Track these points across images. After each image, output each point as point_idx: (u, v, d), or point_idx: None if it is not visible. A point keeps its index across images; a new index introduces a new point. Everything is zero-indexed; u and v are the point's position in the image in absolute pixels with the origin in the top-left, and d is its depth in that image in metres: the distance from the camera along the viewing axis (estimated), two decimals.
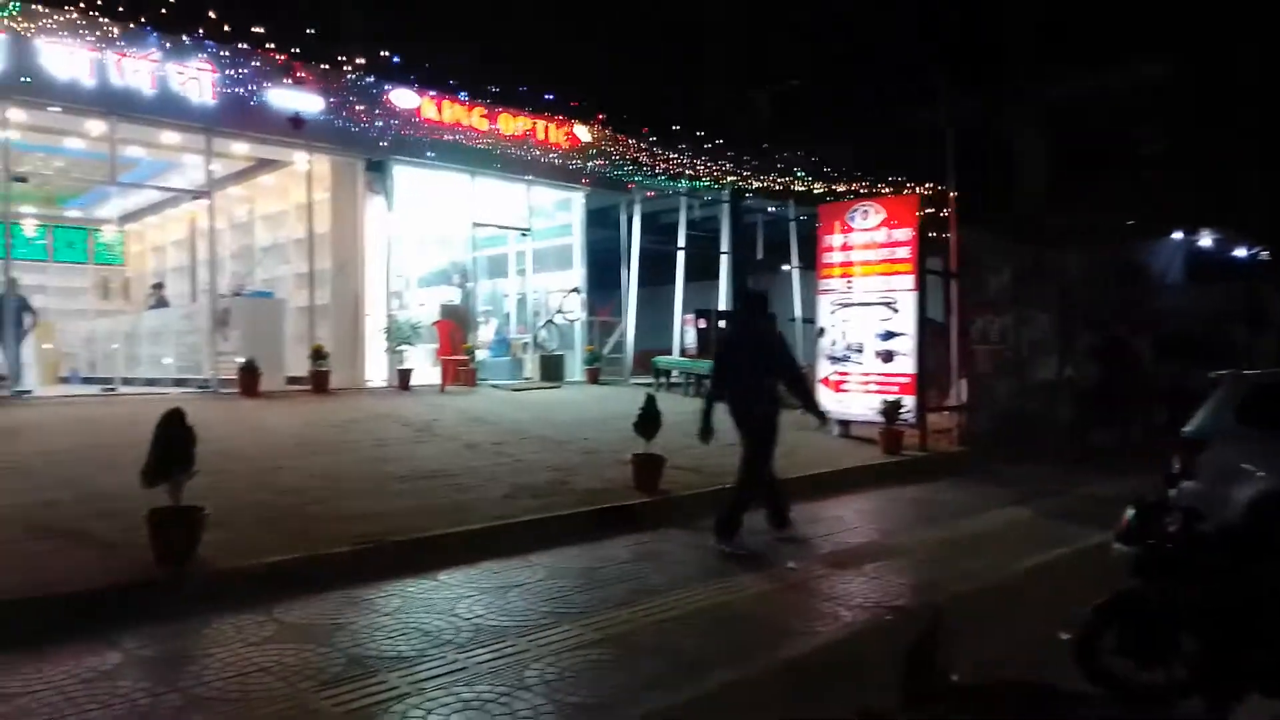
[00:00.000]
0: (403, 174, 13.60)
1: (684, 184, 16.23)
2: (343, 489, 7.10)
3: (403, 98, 13.05)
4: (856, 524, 7.72)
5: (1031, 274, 12.54)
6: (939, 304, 11.76)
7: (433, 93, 13.43)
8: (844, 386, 11.18)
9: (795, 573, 5.96)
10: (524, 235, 15.53)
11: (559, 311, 15.69)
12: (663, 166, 15.61)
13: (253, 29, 11.10)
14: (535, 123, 14.67)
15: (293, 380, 12.49)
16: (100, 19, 10.36)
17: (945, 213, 11.32)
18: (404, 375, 12.92)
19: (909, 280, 10.64)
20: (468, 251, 15.32)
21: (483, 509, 6.77)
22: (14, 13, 9.71)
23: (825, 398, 11.35)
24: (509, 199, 15.82)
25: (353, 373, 13.09)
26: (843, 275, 11.25)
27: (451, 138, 13.61)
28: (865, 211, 11.11)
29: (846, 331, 11.13)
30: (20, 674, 3.85)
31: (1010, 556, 6.50)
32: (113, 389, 12.18)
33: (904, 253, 10.73)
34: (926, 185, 12.13)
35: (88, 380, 15.89)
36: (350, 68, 12.31)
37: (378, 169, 13.18)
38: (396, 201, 13.47)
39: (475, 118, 13.90)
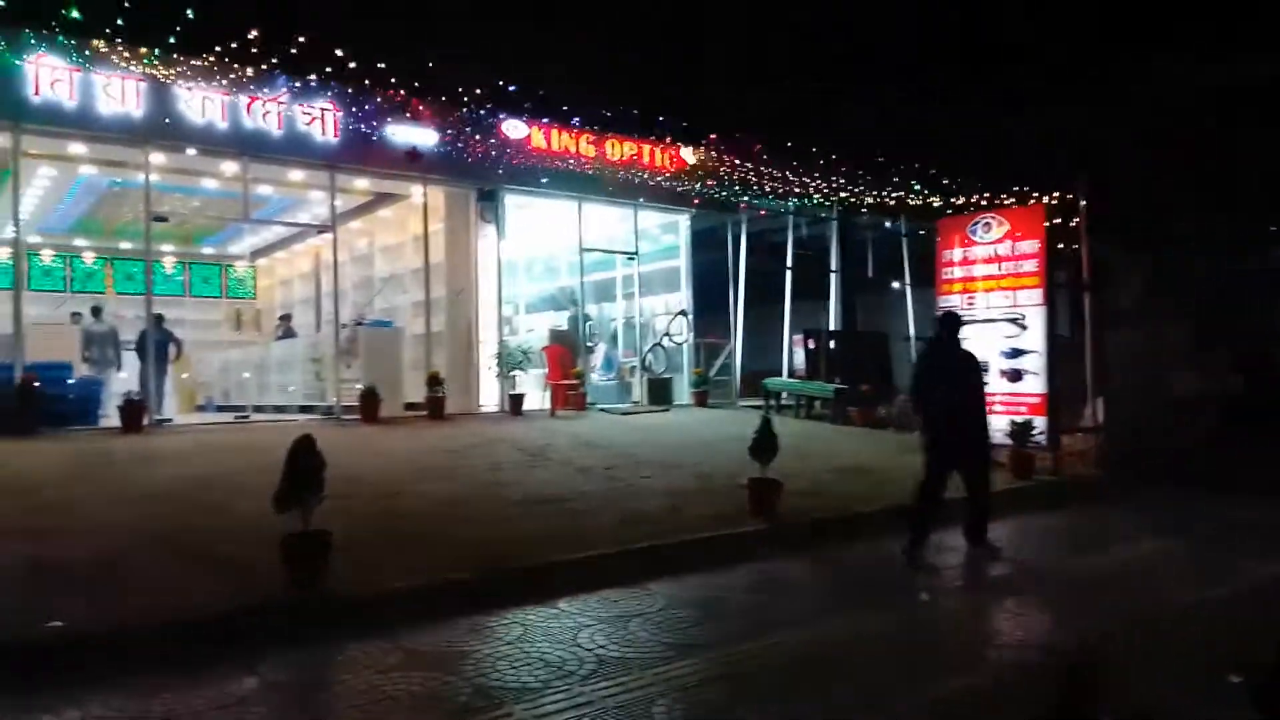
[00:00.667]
0: (513, 202, 13.88)
1: (792, 202, 15.98)
2: (461, 514, 7.17)
3: (513, 128, 13.32)
4: (983, 556, 7.29)
5: (1163, 283, 11.74)
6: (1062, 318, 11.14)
7: (543, 121, 13.66)
8: None
9: (928, 605, 5.64)
10: (631, 259, 15.59)
11: (666, 334, 15.64)
12: (770, 185, 15.41)
13: (376, 65, 11.51)
14: (641, 147, 14.74)
15: (410, 406, 12.82)
16: (232, 63, 10.96)
17: (1074, 222, 10.72)
18: (515, 400, 13.09)
19: (1036, 295, 10.10)
20: (575, 276, 15.48)
21: (598, 535, 6.70)
22: (154, 62, 10.36)
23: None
24: (616, 223, 15.93)
25: (467, 398, 13.35)
26: (963, 291, 10.78)
27: (560, 165, 13.80)
28: (987, 224, 10.63)
29: None
30: (160, 698, 3.97)
31: (1163, 590, 6.00)
32: (246, 416, 12.79)
33: (1030, 266, 10.20)
34: (1054, 194, 11.52)
35: (221, 408, 16.77)
36: (466, 99, 12.65)
37: (489, 198, 13.48)
38: (507, 229, 13.74)
39: (583, 144, 14.06)
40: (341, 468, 7.54)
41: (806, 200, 15.95)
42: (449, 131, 12.80)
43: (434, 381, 12.43)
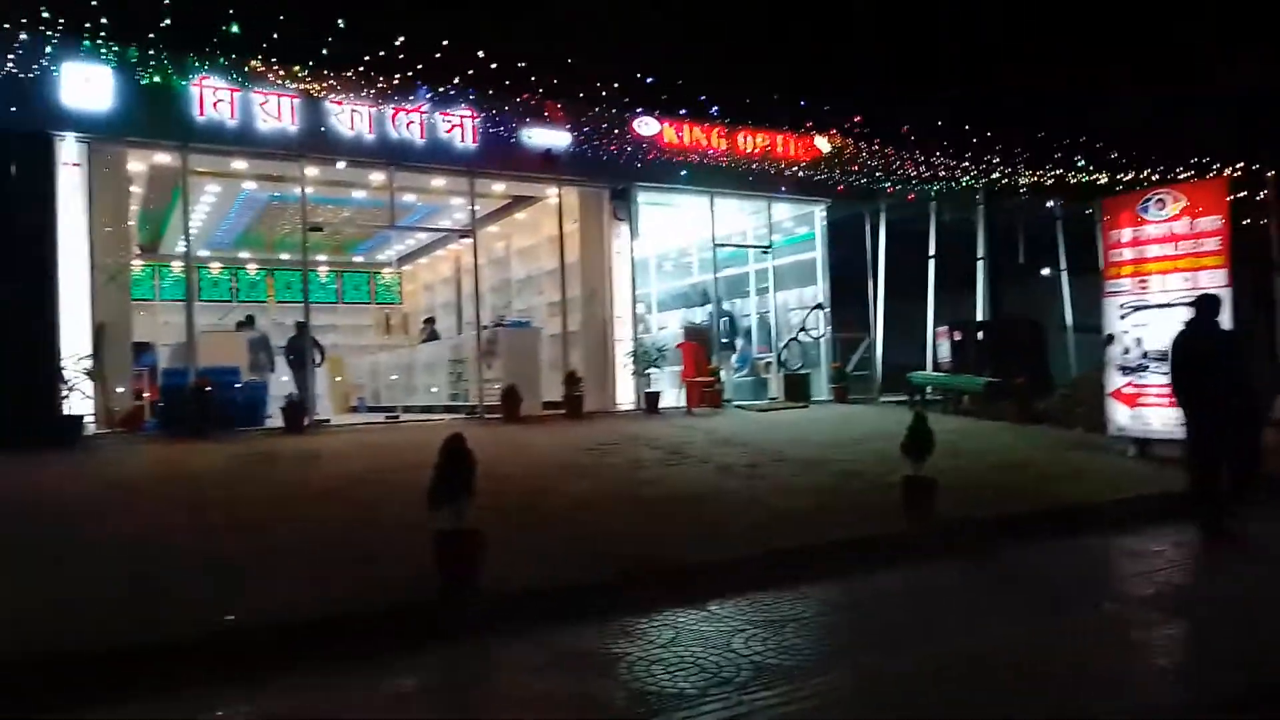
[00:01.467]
0: (645, 199, 13.85)
1: (935, 186, 15.25)
2: (604, 512, 7.13)
3: (645, 125, 13.28)
4: (1175, 561, 6.64)
5: None
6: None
7: (675, 116, 13.56)
8: (1140, 400, 9.82)
9: (1108, 615, 5.15)
10: (765, 253, 15.28)
11: (802, 329, 15.23)
12: (911, 170, 14.75)
13: (512, 69, 11.69)
14: (774, 138, 14.42)
15: (549, 405, 13.00)
16: (378, 76, 11.38)
17: (1262, 195, 9.67)
18: (651, 398, 13.05)
19: (1219, 275, 9.16)
20: (708, 272, 15.30)
21: (744, 535, 6.51)
22: (304, 76, 10.86)
23: (1117, 413, 10.07)
24: (748, 217, 15.67)
25: (603, 396, 13.42)
26: (1134, 274, 9.92)
27: (692, 160, 13.66)
28: (1161, 200, 9.74)
29: (1142, 338, 9.78)
30: (324, 694, 4.06)
31: None
32: (396, 417, 13.28)
33: (1212, 244, 9.27)
34: (1236, 166, 10.44)
35: (372, 409, 17.57)
36: (600, 98, 12.70)
37: (622, 196, 13.51)
38: (640, 227, 13.73)
39: (715, 138, 13.87)
40: (486, 466, 7.64)
41: (953, 184, 15.17)
42: (582, 132, 12.89)
43: (571, 380, 12.54)
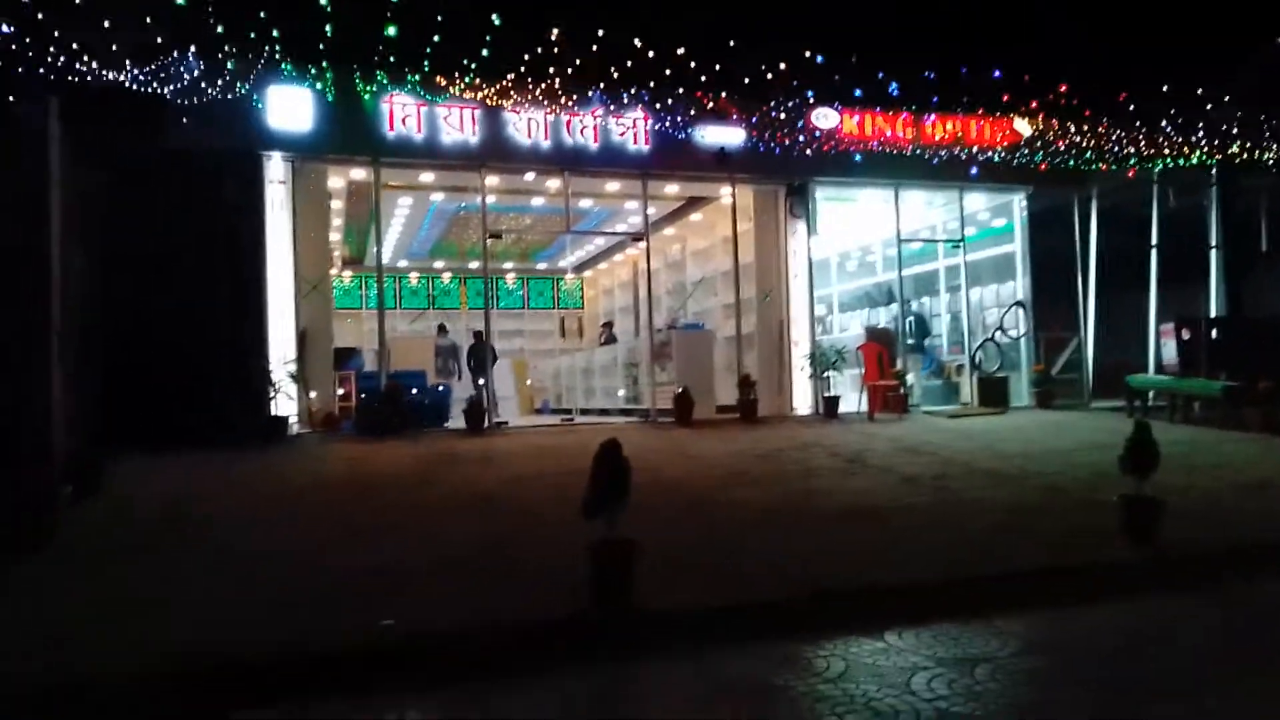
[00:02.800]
0: (823, 195, 13.26)
1: (1158, 165, 13.58)
2: (773, 523, 6.72)
3: (823, 117, 12.68)
4: None
5: None
6: None
7: (856, 105, 12.86)
8: None
9: None
10: (956, 247, 14.21)
11: (999, 328, 14.03)
12: (1130, 149, 13.21)
13: (684, 67, 11.48)
14: (967, 122, 13.36)
15: (722, 409, 12.69)
16: (554, 84, 11.51)
17: None
18: (830, 402, 12.43)
19: None
20: (893, 269, 14.42)
21: (930, 556, 5.88)
22: (472, 82, 11.11)
23: None
24: (937, 209, 14.66)
25: (779, 400, 12.94)
26: None
27: (874, 151, 12.90)
28: None
29: None
30: (476, 706, 3.93)
31: None
32: (571, 419, 13.43)
33: None
34: None
35: (555, 411, 17.96)
36: (775, 91, 12.24)
37: (799, 193, 12.98)
38: (818, 224, 13.13)
39: (899, 126, 13.03)
40: (652, 471, 7.48)
41: (1181, 161, 13.45)
42: (757, 128, 12.48)
43: (745, 384, 12.16)
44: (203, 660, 4.09)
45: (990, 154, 13.39)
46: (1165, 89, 12.81)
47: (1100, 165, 13.41)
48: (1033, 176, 13.67)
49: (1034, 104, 13.42)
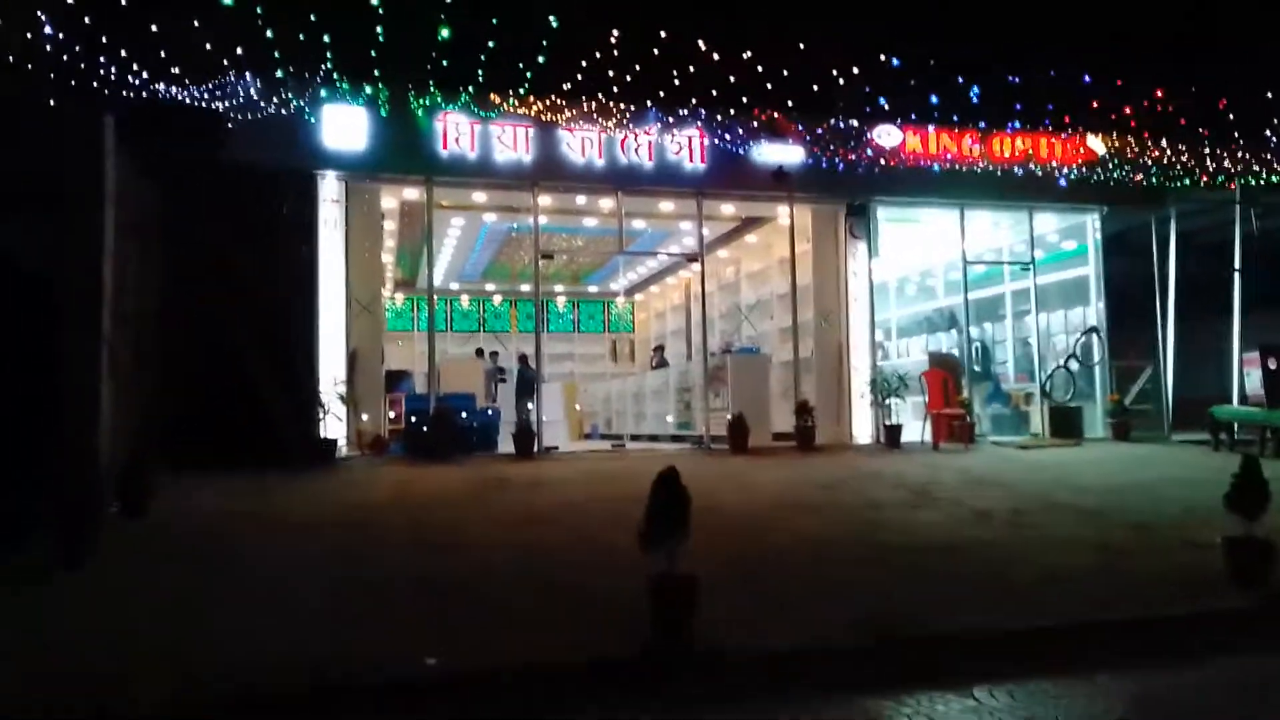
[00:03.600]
0: (885, 215, 12.81)
1: (1242, 183, 12.87)
2: (837, 559, 6.28)
3: (885, 134, 12.28)
4: None
5: None
6: None
7: (918, 124, 12.44)
8: None
9: None
10: (1025, 270, 13.60)
11: (1072, 356, 13.37)
12: (1213, 165, 12.54)
13: (740, 83, 11.21)
14: (1037, 140, 12.84)
15: (779, 436, 12.25)
16: (608, 101, 11.32)
17: None
18: (891, 431, 11.90)
19: None
20: (955, 293, 13.89)
21: (1015, 599, 5.39)
22: (525, 98, 10.96)
23: None
24: (1003, 231, 14.12)
25: (837, 428, 12.45)
26: None
27: (939, 169, 12.45)
28: None
29: None
30: None
31: None
32: (621, 445, 13.11)
33: None
34: None
35: (605, 436, 17.67)
36: (834, 108, 11.90)
37: (859, 213, 12.55)
38: (879, 245, 12.69)
39: (965, 145, 12.56)
40: (707, 500, 7.06)
41: (1265, 180, 12.74)
42: (815, 147, 12.13)
43: (803, 410, 11.71)
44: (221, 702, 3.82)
45: (1062, 173, 12.83)
46: (1242, 101, 12.15)
47: (1180, 183, 12.75)
48: (1108, 196, 13.07)
49: (1111, 116, 12.85)
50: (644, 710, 4.08)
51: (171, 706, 3.73)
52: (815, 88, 11.60)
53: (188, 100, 9.46)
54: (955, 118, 12.37)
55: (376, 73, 10.43)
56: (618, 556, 5.36)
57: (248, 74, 9.93)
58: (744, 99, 11.82)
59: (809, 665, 4.50)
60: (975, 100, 12.37)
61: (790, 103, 11.95)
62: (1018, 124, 12.72)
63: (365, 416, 11.11)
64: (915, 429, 12.43)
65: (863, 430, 12.47)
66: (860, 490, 8.83)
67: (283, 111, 10.31)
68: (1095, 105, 12.72)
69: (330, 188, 10.89)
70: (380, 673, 4.12)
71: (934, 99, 11.99)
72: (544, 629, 4.73)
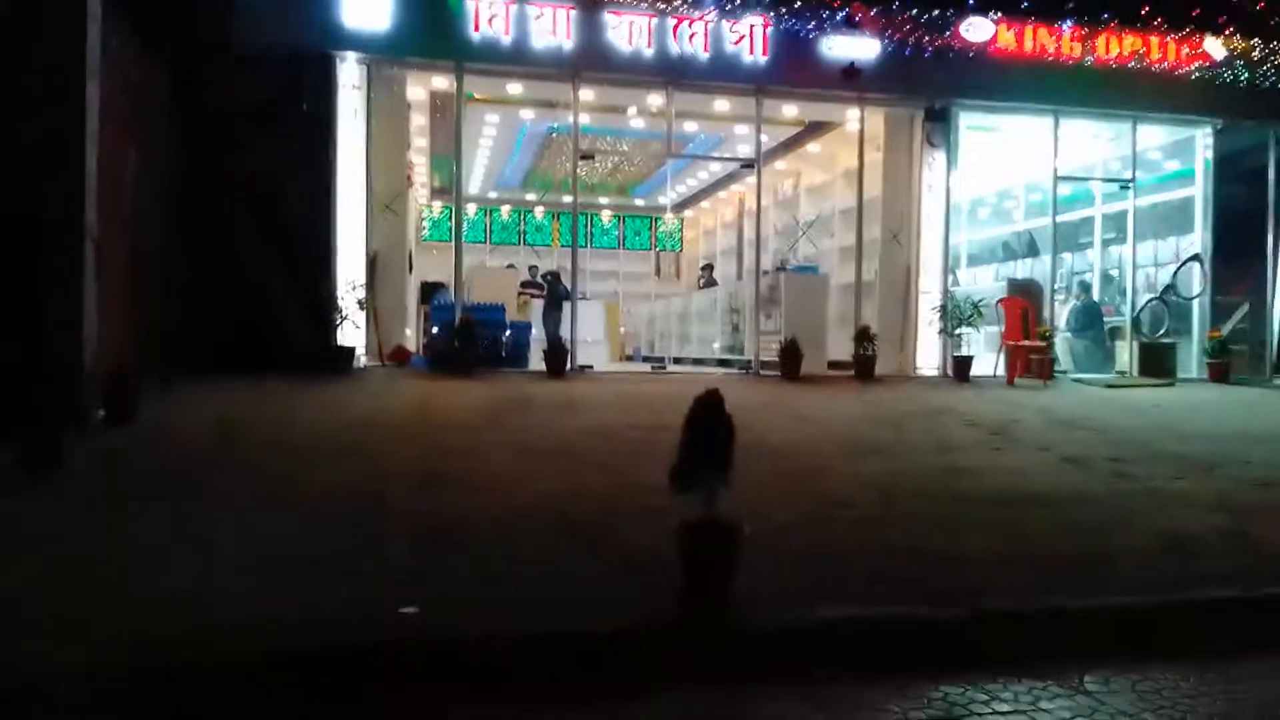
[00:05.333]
0: (968, 123, 11.42)
1: None
2: (905, 510, 5.32)
3: (974, 28, 10.81)
4: None
5: None
6: None
7: (1015, 15, 10.93)
8: None
9: None
10: (1124, 188, 12.14)
11: (1168, 287, 11.99)
12: None
13: None
14: (1147, 40, 11.25)
15: (834, 364, 11.23)
16: None
17: None
18: (961, 363, 10.80)
19: None
20: (1038, 216, 12.53)
21: (1122, 567, 4.40)
22: None
23: None
24: (1102, 144, 12.59)
25: (900, 358, 11.37)
26: None
27: (1032, 71, 10.98)
28: None
29: None
30: None
31: None
32: (662, 367, 12.19)
33: None
34: None
35: (647, 359, 16.78)
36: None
37: (939, 118, 11.18)
38: (960, 156, 11.34)
39: (1066, 43, 11.04)
40: (753, 431, 6.16)
41: None
42: (892, 40, 10.72)
43: (863, 337, 10.64)
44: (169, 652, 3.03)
45: (1173, 81, 11.28)
46: None
47: None
48: (1224, 107, 11.49)
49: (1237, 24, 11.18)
50: (668, 686, 3.22)
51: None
52: None
53: None
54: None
55: None
56: (652, 496, 4.48)
57: None
58: None
59: (875, 641, 3.59)
60: None
61: None
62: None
63: (383, 326, 10.28)
64: (986, 362, 11.28)
65: (928, 361, 11.36)
66: (929, 428, 7.82)
67: None
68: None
69: (350, 72, 9.85)
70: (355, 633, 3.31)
71: None
72: (554, 590, 3.87)
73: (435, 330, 10.14)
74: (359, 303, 9.57)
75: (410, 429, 6.95)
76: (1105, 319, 12.65)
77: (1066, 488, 5.92)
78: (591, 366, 10.73)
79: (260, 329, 9.05)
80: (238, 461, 5.75)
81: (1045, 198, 13.91)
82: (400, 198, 10.68)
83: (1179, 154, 12.64)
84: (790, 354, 10.27)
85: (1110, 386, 10.57)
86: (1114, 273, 13.68)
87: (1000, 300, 11.23)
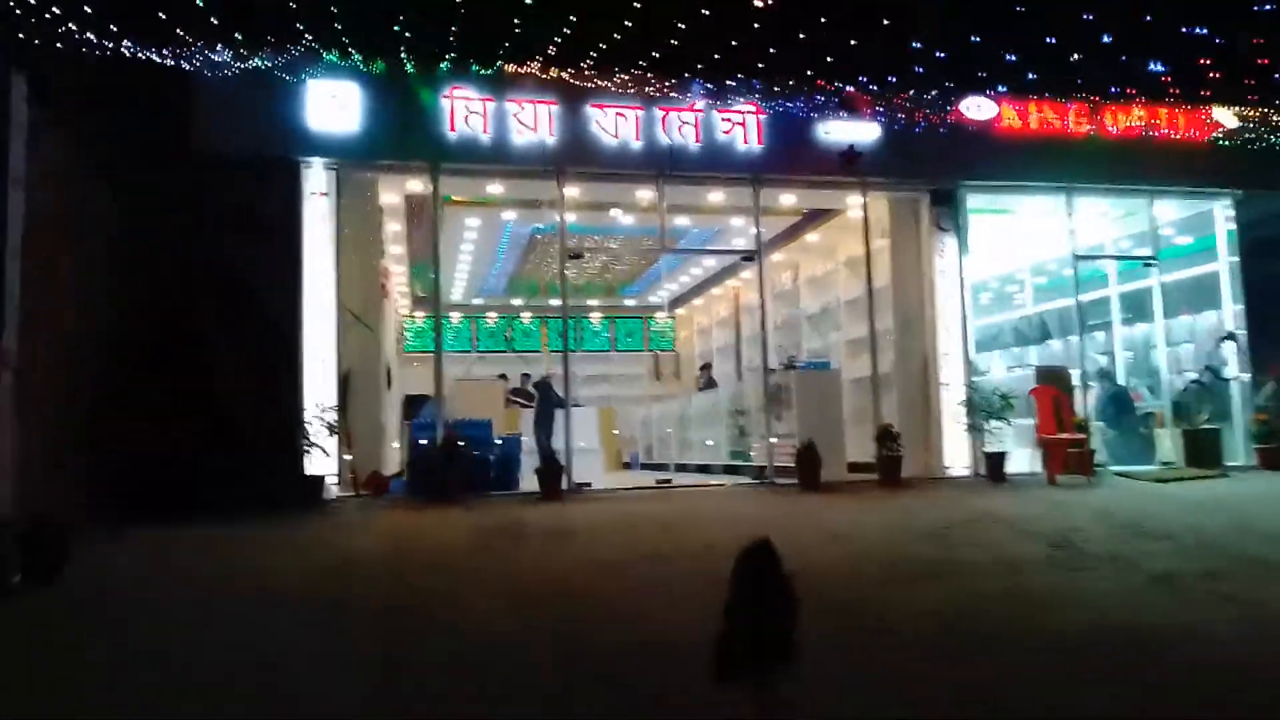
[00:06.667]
0: (977, 204, 10.82)
1: None
2: (995, 663, 4.27)
3: (976, 107, 10.33)
4: None
5: None
6: None
7: (1018, 95, 10.48)
8: None
9: None
10: (1148, 265, 11.48)
11: (1207, 368, 11.18)
12: None
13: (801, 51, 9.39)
14: (1156, 112, 10.80)
15: (854, 466, 10.28)
16: (647, 75, 9.55)
17: None
18: (995, 461, 9.87)
19: None
20: (1049, 298, 11.85)
21: None
22: (547, 69, 9.23)
23: None
24: (1113, 223, 12.02)
25: (925, 457, 10.43)
26: None
27: (1040, 148, 10.46)
28: None
29: None
30: None
31: None
32: (668, 481, 11.15)
33: None
34: None
35: (645, 466, 15.77)
36: (915, 77, 9.99)
37: (946, 200, 10.56)
38: (971, 238, 10.68)
39: (1071, 118, 10.55)
40: (788, 559, 5.17)
41: None
42: (893, 122, 10.21)
43: (886, 436, 9.74)
44: None
45: (1185, 152, 10.78)
46: None
47: None
48: (1243, 176, 10.96)
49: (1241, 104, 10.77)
50: None
51: None
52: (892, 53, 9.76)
53: (143, 66, 7.85)
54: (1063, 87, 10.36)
55: (371, 41, 8.77)
56: (674, 653, 3.46)
57: (216, 40, 8.30)
58: (807, 68, 9.99)
59: None
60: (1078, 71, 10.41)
61: (864, 71, 10.08)
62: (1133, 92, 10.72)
63: (347, 456, 9.26)
64: (1018, 458, 10.35)
65: (955, 459, 10.42)
66: (983, 542, 6.80)
67: (259, 91, 8.68)
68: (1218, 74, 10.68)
69: (317, 179, 9.16)
70: None
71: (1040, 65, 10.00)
72: None
73: (416, 453, 9.15)
74: (329, 426, 8.61)
75: (380, 579, 5.88)
76: (1135, 404, 11.81)
77: (1171, 620, 4.88)
78: (589, 484, 9.72)
79: (225, 460, 8.08)
80: (172, 632, 4.67)
81: (1054, 280, 13.29)
82: (375, 309, 9.86)
83: (1193, 228, 12.08)
84: (808, 460, 9.33)
85: (1160, 481, 9.61)
86: (1124, 355, 12.91)
87: (1031, 390, 10.37)
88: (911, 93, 10.20)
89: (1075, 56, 10.38)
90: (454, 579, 5.75)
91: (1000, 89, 10.27)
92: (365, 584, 5.68)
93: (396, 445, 11.25)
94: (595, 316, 19.57)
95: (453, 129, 9.22)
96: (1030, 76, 10.13)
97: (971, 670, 4.13)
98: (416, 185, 10.04)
